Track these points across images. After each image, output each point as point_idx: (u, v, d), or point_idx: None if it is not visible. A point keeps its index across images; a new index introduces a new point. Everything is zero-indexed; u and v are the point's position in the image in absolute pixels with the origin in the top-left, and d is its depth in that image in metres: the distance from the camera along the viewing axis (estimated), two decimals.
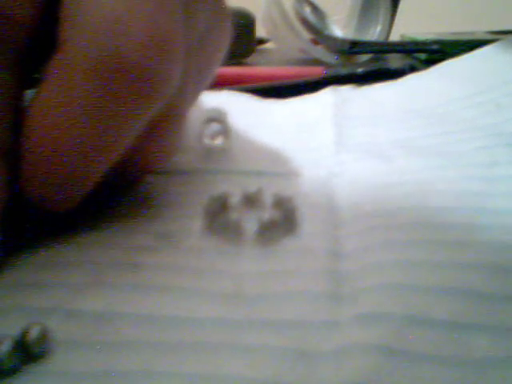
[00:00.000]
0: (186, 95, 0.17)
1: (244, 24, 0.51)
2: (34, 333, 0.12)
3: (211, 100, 0.26)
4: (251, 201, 0.19)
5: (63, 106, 0.14)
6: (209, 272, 0.15)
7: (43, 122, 0.14)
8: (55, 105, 0.14)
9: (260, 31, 0.54)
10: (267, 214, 0.17)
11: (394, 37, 0.57)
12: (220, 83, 0.33)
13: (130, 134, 0.15)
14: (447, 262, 0.15)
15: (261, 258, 0.16)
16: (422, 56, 0.49)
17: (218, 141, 0.24)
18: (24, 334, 0.12)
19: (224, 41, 0.20)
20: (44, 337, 0.12)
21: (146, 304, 0.14)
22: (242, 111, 0.28)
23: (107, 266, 0.15)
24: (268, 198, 0.19)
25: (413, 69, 0.37)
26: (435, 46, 0.48)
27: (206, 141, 0.24)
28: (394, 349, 0.12)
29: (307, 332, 0.13)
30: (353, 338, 0.12)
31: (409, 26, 0.59)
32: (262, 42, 0.59)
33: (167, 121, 0.17)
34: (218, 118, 0.24)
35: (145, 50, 0.14)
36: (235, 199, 0.19)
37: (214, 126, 0.24)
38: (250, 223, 0.17)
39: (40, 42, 0.15)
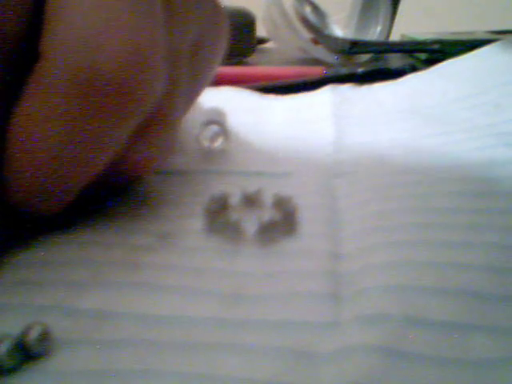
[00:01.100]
0: (176, 100, 0.17)
1: (244, 24, 0.51)
2: (34, 332, 0.12)
3: (211, 98, 0.26)
4: (251, 201, 0.19)
5: (41, 120, 0.14)
6: (209, 272, 0.15)
7: (22, 133, 0.14)
8: (33, 117, 0.14)
9: (260, 31, 0.54)
10: (267, 214, 0.17)
11: (395, 37, 0.57)
12: (220, 83, 0.33)
13: (112, 145, 0.15)
14: (447, 262, 0.15)
15: (261, 259, 0.16)
16: (422, 56, 0.49)
17: (218, 143, 0.24)
18: (24, 333, 0.12)
19: (221, 42, 0.20)
20: (44, 336, 0.12)
21: (146, 303, 0.14)
22: (242, 109, 0.28)
23: (107, 265, 0.15)
24: (268, 198, 0.19)
25: (413, 69, 0.37)
26: (435, 46, 0.48)
27: (205, 143, 0.24)
28: (393, 349, 0.12)
29: (307, 332, 0.13)
30: (353, 338, 0.12)
31: (409, 25, 0.59)
32: (262, 41, 0.59)
33: (156, 126, 0.16)
34: (217, 119, 0.24)
35: (121, 65, 0.14)
36: (235, 199, 0.19)
37: (213, 128, 0.24)
38: (250, 223, 0.17)
39: (26, 55, 0.15)
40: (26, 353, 0.12)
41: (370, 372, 0.11)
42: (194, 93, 0.20)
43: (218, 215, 0.17)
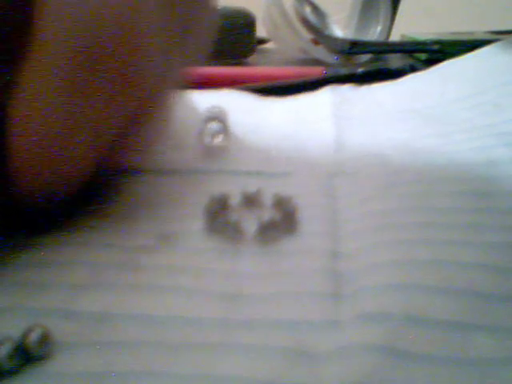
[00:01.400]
0: (169, 78, 0.18)
1: (244, 24, 0.51)
2: (34, 335, 0.12)
3: (211, 99, 0.26)
4: (251, 201, 0.19)
5: (42, 95, 0.14)
6: (209, 272, 0.15)
7: (23, 111, 0.14)
8: (33, 94, 0.14)
9: (260, 31, 0.54)
10: (267, 214, 0.17)
11: (394, 37, 0.57)
12: (220, 83, 0.33)
13: (111, 125, 0.16)
14: (447, 261, 0.15)
15: (261, 258, 0.16)
16: (422, 56, 0.49)
17: (218, 139, 0.24)
18: (25, 336, 0.12)
19: (209, 26, 0.20)
20: (45, 339, 0.12)
21: (146, 304, 0.14)
22: (242, 110, 0.28)
23: (107, 266, 0.15)
24: (268, 198, 0.19)
25: (413, 69, 0.37)
26: (435, 46, 0.48)
27: (206, 140, 0.24)
28: (394, 348, 0.12)
29: (307, 332, 0.13)
30: (353, 337, 0.12)
31: (409, 26, 0.59)
32: (262, 41, 0.59)
33: (152, 105, 0.17)
34: (218, 116, 0.24)
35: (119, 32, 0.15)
36: (235, 199, 0.19)
37: (214, 125, 0.24)
38: (250, 223, 0.17)
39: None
40: (27, 355, 0.12)
41: (371, 371, 0.11)
42: (180, 74, 0.20)
43: (218, 215, 0.17)
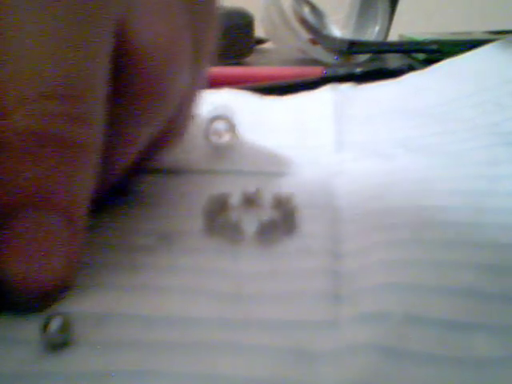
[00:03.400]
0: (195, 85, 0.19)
1: (243, 24, 0.51)
2: (55, 323, 0.12)
3: (211, 99, 0.26)
4: (251, 201, 0.19)
5: None
6: (208, 272, 0.15)
7: None
8: None
9: (259, 31, 0.54)
10: (267, 214, 0.17)
11: (393, 37, 0.57)
12: (219, 83, 0.33)
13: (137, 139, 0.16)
14: (447, 261, 0.15)
15: (260, 258, 0.16)
16: (421, 56, 0.49)
17: (225, 138, 0.24)
18: (46, 324, 0.12)
19: (214, 28, 0.20)
20: (66, 326, 0.12)
21: (146, 304, 0.14)
22: (242, 110, 0.28)
23: (106, 265, 0.15)
24: (267, 198, 0.19)
25: (411, 69, 0.37)
26: (433, 46, 0.48)
27: (213, 138, 0.24)
28: (393, 348, 0.12)
29: (307, 332, 0.13)
30: (353, 337, 0.12)
31: (407, 25, 0.59)
32: (260, 41, 0.59)
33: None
34: (224, 115, 0.24)
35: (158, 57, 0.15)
36: (235, 199, 0.19)
37: (220, 124, 0.24)
38: (250, 223, 0.17)
39: None
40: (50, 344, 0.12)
41: (370, 371, 0.11)
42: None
43: (218, 215, 0.17)
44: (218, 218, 0.17)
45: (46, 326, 0.12)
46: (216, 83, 0.33)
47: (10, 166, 0.13)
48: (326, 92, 0.31)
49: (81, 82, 0.13)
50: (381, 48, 0.51)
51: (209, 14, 0.19)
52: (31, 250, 0.13)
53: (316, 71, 0.39)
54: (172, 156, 0.22)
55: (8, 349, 0.12)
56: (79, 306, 0.14)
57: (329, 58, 0.50)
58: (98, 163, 0.14)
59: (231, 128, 0.24)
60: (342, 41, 0.50)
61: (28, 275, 0.13)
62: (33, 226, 0.13)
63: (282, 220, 0.17)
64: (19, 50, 0.13)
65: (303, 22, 0.50)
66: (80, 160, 0.13)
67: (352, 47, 0.49)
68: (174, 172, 0.22)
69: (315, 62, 0.49)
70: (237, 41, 0.50)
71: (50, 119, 0.13)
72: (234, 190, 0.19)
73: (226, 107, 0.24)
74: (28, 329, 0.13)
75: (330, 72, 0.37)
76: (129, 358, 0.12)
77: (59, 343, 0.12)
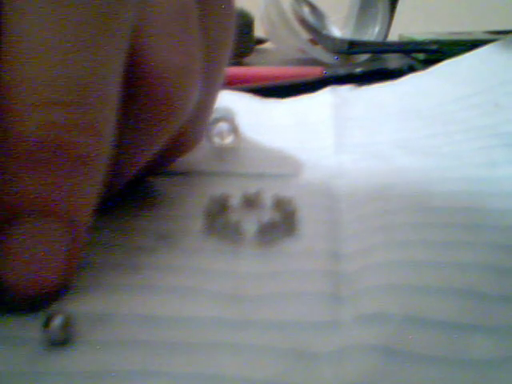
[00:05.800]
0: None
1: (242, 24, 0.51)
2: (57, 321, 0.12)
3: None
4: (251, 202, 0.19)
5: None
6: (208, 272, 0.15)
7: None
8: None
9: (258, 31, 0.54)
10: (267, 215, 0.17)
11: (393, 37, 0.57)
12: None
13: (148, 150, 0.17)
14: (447, 262, 0.15)
15: (260, 259, 0.16)
16: (421, 56, 0.49)
17: (228, 140, 0.24)
18: (48, 321, 0.12)
19: (229, 38, 0.20)
20: (67, 324, 0.12)
21: (146, 304, 0.14)
22: (242, 111, 0.28)
23: (106, 266, 0.15)
24: (268, 199, 0.19)
25: (411, 69, 0.37)
26: (434, 46, 0.48)
27: (216, 140, 0.24)
28: (393, 349, 0.12)
29: (307, 333, 0.13)
30: (353, 338, 0.12)
31: (407, 26, 0.59)
32: (260, 41, 0.59)
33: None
34: (226, 117, 0.24)
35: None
36: (235, 200, 0.19)
37: (223, 125, 0.24)
38: (250, 224, 0.17)
39: None
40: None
41: (370, 372, 0.11)
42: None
43: (218, 216, 0.17)
44: (219, 219, 0.17)
45: (47, 323, 0.12)
46: None
47: (14, 172, 0.13)
48: (326, 94, 0.31)
49: (92, 91, 0.13)
50: (381, 48, 0.51)
51: (224, 29, 0.19)
52: (30, 253, 0.13)
53: (316, 71, 0.39)
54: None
55: (8, 348, 0.12)
56: (79, 306, 0.14)
57: (329, 58, 0.50)
58: (105, 173, 0.14)
59: (234, 130, 0.24)
60: (341, 41, 0.50)
61: (26, 279, 0.13)
62: (33, 231, 0.13)
63: (283, 221, 0.17)
64: (32, 56, 0.13)
65: (303, 22, 0.50)
66: (86, 171, 0.13)
67: (352, 47, 0.49)
68: (175, 173, 0.22)
69: (315, 62, 0.49)
70: (236, 41, 0.50)
71: (59, 128, 0.13)
72: (235, 191, 0.19)
73: (228, 109, 0.24)
74: (28, 329, 0.13)
75: (330, 72, 0.37)
76: (129, 357, 0.12)
77: (60, 340, 0.12)
